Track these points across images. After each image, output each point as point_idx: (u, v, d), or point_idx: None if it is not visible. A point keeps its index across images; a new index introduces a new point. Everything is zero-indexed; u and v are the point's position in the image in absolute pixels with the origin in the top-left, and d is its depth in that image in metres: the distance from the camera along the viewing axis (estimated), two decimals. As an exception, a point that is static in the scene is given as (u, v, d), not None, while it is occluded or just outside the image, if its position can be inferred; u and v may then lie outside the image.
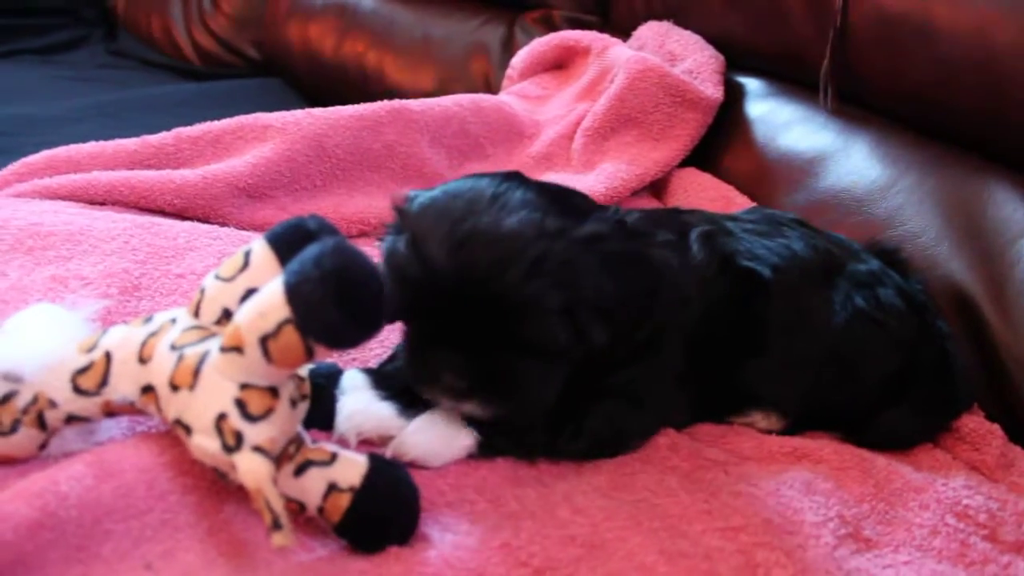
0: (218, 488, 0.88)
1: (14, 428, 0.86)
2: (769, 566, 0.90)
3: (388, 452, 0.98)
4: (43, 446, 0.89)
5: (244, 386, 0.81)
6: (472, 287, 0.93)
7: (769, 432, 1.19)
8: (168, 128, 1.67)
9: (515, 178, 1.02)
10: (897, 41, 1.54)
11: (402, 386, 1.05)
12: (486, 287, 0.93)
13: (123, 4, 3.35)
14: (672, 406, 1.15)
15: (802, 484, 1.05)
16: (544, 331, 0.96)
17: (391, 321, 1.00)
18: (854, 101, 1.69)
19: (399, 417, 1.02)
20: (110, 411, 0.88)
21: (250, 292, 0.84)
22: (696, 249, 1.17)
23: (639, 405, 1.09)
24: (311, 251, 0.78)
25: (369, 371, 1.09)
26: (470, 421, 1.01)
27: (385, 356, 1.17)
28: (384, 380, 1.07)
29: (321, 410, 0.99)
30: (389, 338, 1.18)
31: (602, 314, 0.99)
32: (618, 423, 1.07)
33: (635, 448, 1.09)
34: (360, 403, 1.03)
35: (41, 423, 0.87)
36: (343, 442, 1.00)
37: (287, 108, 1.77)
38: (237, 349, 0.80)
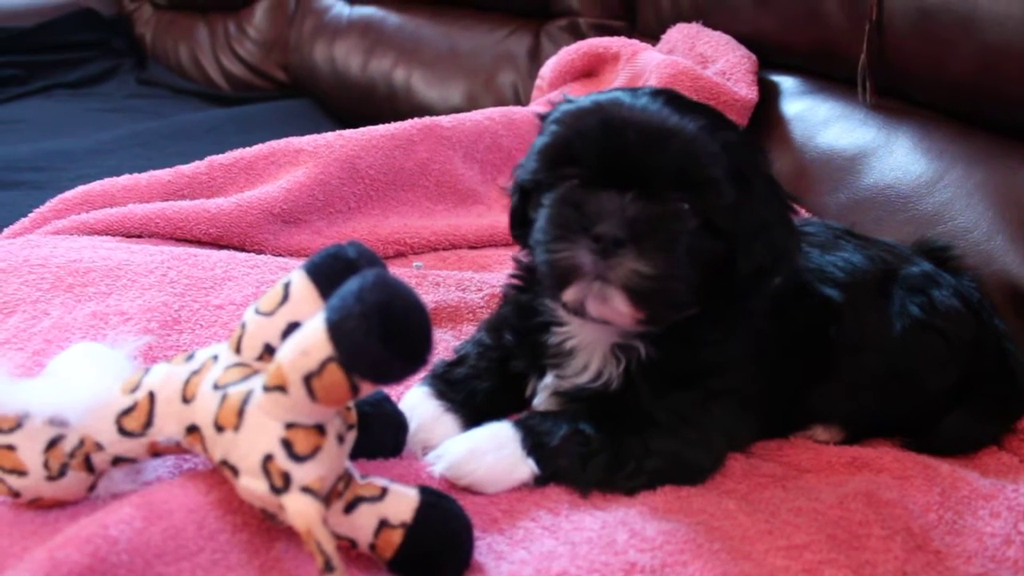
0: (268, 525, 0.86)
1: (62, 472, 0.85)
2: (837, 585, 0.87)
3: (439, 469, 0.96)
4: (91, 488, 0.88)
5: (290, 425, 0.79)
6: (655, 135, 0.94)
7: (827, 443, 1.16)
8: (201, 154, 1.68)
9: None
10: (938, 31, 1.50)
11: (467, 395, 1.05)
12: (671, 136, 0.94)
13: (151, 34, 3.39)
14: (737, 438, 1.11)
15: (865, 496, 1.01)
16: (714, 182, 0.96)
17: (549, 167, 1.00)
18: (894, 95, 1.65)
19: (464, 431, 1.01)
20: (156, 451, 0.87)
21: (291, 326, 0.83)
22: None
23: (702, 445, 1.04)
24: (352, 284, 0.75)
25: (434, 380, 1.08)
26: (531, 450, 0.98)
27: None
28: (449, 389, 1.06)
29: (387, 437, 0.99)
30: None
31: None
32: (680, 465, 1.02)
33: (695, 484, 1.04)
34: (426, 416, 1.03)
35: (88, 466, 0.86)
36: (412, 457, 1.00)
37: (316, 129, 1.77)
38: (281, 388, 0.78)
